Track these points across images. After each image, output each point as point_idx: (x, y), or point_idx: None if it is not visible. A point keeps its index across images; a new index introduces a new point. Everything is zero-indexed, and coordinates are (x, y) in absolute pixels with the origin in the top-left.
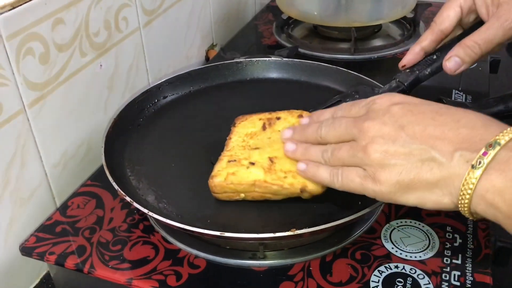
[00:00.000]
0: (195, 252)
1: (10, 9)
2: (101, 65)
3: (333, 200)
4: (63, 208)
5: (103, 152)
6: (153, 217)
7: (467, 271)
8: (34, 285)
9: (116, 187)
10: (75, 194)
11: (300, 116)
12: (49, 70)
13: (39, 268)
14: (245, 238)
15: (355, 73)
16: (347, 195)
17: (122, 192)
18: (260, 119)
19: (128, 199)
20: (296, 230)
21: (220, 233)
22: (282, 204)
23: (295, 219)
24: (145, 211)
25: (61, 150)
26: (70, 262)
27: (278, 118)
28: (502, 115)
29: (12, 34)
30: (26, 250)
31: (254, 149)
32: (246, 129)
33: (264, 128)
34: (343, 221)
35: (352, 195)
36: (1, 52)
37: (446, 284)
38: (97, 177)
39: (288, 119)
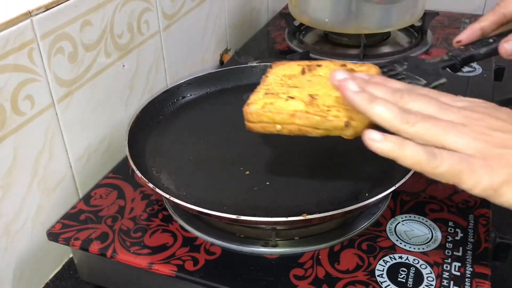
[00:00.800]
0: (211, 239)
1: (44, 11)
2: (123, 65)
3: (342, 192)
4: (87, 198)
5: (127, 144)
6: (172, 206)
7: (467, 262)
8: (57, 270)
9: (139, 174)
10: (97, 186)
11: (343, 65)
12: (77, 68)
13: (62, 255)
14: (259, 221)
15: None
16: (356, 185)
17: (145, 178)
18: (298, 65)
19: (150, 185)
20: (307, 215)
21: (236, 217)
22: (294, 194)
23: (306, 208)
24: (167, 196)
25: (85, 144)
26: (94, 247)
27: (319, 66)
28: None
29: (45, 34)
30: (53, 235)
31: (293, 87)
32: (284, 71)
33: (303, 72)
34: (350, 209)
35: (362, 185)
36: (35, 50)
37: (447, 274)
38: (119, 170)
39: (330, 66)
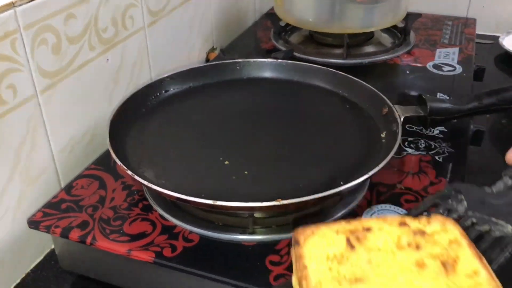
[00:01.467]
0: (189, 227)
1: (28, 1)
2: (107, 59)
3: (319, 181)
4: (68, 188)
5: (108, 134)
6: (151, 195)
7: None
8: (38, 260)
9: (118, 162)
10: (79, 176)
11: (403, 224)
12: (60, 60)
13: (43, 246)
14: (235, 206)
15: (345, 74)
16: (332, 174)
17: (124, 166)
18: (337, 232)
19: (129, 172)
20: (281, 200)
21: (213, 202)
22: (271, 183)
23: (282, 196)
24: (145, 182)
25: (68, 135)
26: (74, 234)
27: (368, 229)
28: (476, 111)
29: (28, 25)
30: (34, 223)
31: (355, 281)
32: (323, 249)
33: (351, 246)
34: (323, 195)
35: (338, 174)
36: (18, 40)
37: None
38: (101, 161)
39: (384, 229)
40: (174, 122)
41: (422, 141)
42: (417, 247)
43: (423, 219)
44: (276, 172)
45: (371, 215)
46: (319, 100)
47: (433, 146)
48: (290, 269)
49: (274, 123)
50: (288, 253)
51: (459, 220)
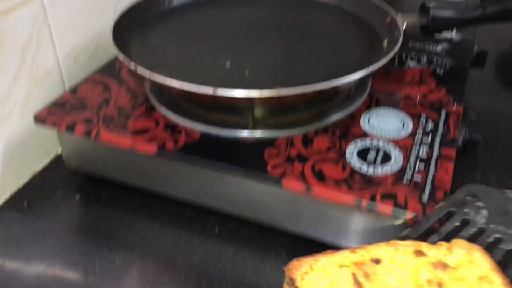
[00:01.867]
0: (191, 124)
1: None
2: None
3: (320, 80)
4: (73, 90)
5: (112, 34)
6: (155, 96)
7: (434, 146)
8: (45, 162)
9: (121, 56)
10: (84, 81)
11: (419, 253)
12: None
13: (50, 149)
14: (235, 97)
15: None
16: (334, 74)
17: (127, 57)
18: (341, 266)
19: (132, 64)
20: (280, 87)
21: (213, 89)
22: (273, 82)
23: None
24: (147, 72)
25: (72, 42)
26: (79, 129)
27: (377, 262)
28: (480, 19)
29: None
30: (40, 119)
31: None
32: None
33: (359, 285)
34: (321, 86)
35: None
36: None
37: (415, 154)
38: (105, 69)
39: (397, 260)
40: (177, 31)
41: (425, 56)
42: (440, 286)
43: (443, 246)
44: (277, 75)
45: (370, 117)
46: (322, 13)
47: (435, 61)
48: (287, 160)
49: (277, 33)
50: (286, 148)
51: (479, 237)
